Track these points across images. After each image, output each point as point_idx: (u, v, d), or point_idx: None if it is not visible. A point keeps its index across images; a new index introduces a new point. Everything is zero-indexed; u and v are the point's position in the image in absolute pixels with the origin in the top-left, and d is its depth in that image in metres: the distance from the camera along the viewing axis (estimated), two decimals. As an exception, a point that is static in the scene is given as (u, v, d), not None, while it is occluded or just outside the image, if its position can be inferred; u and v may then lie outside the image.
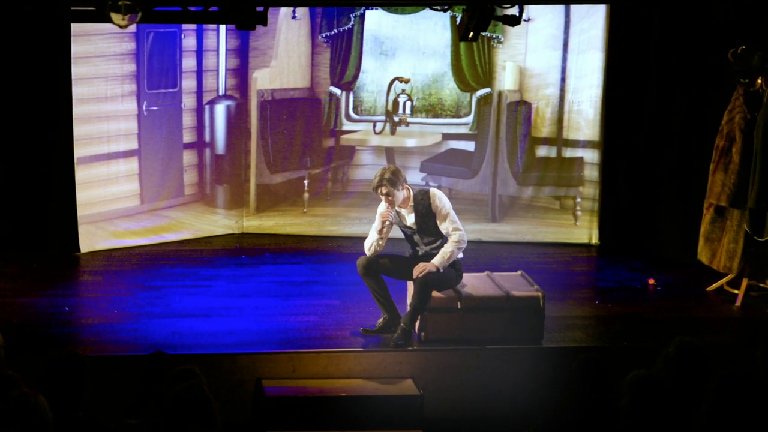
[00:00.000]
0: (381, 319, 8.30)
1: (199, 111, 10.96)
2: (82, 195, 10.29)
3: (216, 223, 11.15)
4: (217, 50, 10.89)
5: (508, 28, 10.37)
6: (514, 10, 7.63)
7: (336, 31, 11.01)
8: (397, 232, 8.31)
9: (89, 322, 8.51)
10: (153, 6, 6.68)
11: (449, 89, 11.09)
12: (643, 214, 10.84)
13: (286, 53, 11.02)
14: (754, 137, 8.98)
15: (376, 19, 10.99)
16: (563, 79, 10.92)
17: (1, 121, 10.00)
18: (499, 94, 10.99)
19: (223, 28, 10.81)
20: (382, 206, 8.17)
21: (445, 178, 11.18)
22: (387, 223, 8.11)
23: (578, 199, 11.09)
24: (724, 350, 7.74)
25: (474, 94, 11.08)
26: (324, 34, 11.03)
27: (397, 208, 8.15)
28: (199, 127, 10.98)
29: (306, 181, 11.23)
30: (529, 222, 11.16)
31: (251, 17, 6.86)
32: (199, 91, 10.91)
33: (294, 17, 10.94)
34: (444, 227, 8.08)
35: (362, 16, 10.97)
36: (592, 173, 11.03)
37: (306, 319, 8.65)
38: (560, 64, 10.90)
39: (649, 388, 5.17)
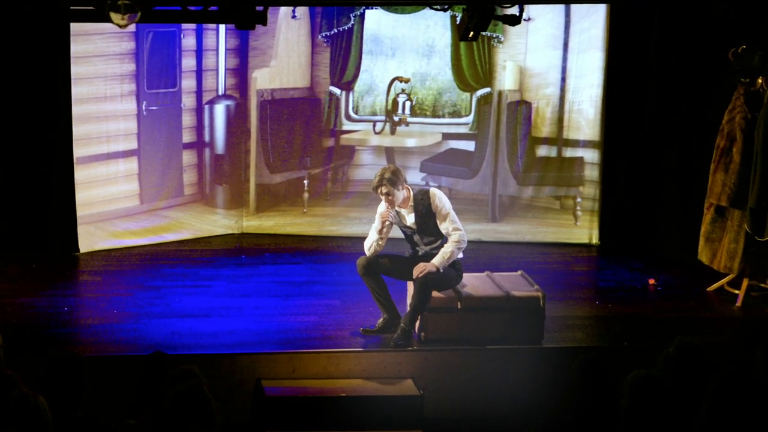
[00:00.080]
0: (381, 319, 8.29)
1: (199, 111, 10.95)
2: (81, 195, 10.28)
3: (216, 223, 11.14)
4: (217, 50, 10.88)
5: (508, 27, 10.37)
6: (514, 10, 7.62)
7: (336, 30, 11.00)
8: (397, 232, 8.30)
9: (89, 323, 8.50)
10: (152, 5, 6.67)
11: (449, 89, 11.08)
12: (644, 214, 10.83)
13: (286, 53, 11.01)
14: (755, 137, 8.97)
15: (376, 19, 10.98)
16: (563, 79, 10.91)
17: (0, 120, 9.98)
18: (499, 93, 10.98)
19: (222, 27, 10.80)
20: (382, 206, 8.16)
21: (445, 178, 11.17)
22: (387, 223, 8.11)
23: (578, 199, 11.08)
24: (724, 350, 7.73)
25: (474, 94, 11.07)
26: (324, 34, 11.02)
27: (397, 208, 8.14)
28: (199, 127, 10.97)
29: (306, 181, 11.22)
30: (530, 222, 11.15)
31: (251, 17, 6.85)
32: (199, 91, 10.90)
33: (294, 17, 10.93)
34: (444, 227, 8.07)
35: (362, 15, 10.96)
36: (592, 173, 11.02)
37: (306, 320, 8.64)
38: (560, 64, 10.90)
39: (650, 389, 5.16)
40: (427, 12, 10.73)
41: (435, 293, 8.12)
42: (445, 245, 8.07)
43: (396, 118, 11.13)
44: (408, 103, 11.09)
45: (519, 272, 8.79)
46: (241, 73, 11.01)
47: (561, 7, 10.73)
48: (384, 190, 8.00)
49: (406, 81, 11.06)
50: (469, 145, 11.16)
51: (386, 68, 11.07)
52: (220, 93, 11.00)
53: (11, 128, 10.00)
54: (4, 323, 8.23)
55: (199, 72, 10.87)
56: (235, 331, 8.32)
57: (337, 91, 11.11)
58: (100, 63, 10.28)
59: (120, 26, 6.49)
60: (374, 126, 11.19)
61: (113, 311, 8.74)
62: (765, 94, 8.94)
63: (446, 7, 8.13)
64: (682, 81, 10.45)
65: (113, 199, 10.57)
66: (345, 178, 11.27)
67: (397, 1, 10.47)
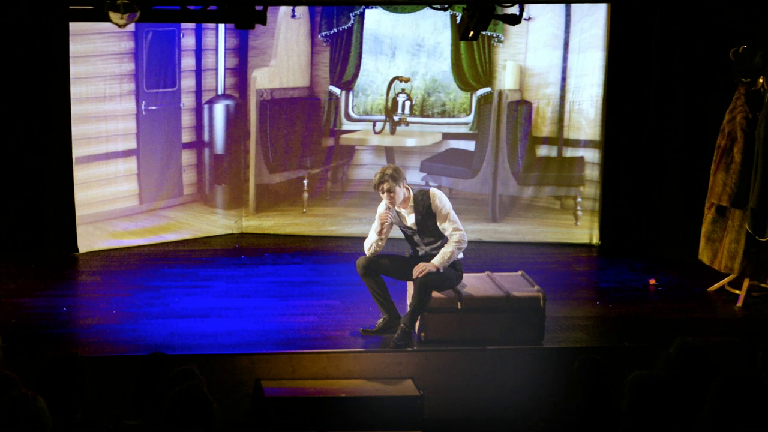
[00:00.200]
0: (381, 320, 8.28)
1: (198, 110, 10.93)
2: (80, 195, 10.27)
3: (215, 223, 11.13)
4: (216, 49, 10.87)
5: (508, 27, 10.36)
6: (514, 9, 7.62)
7: (336, 30, 10.99)
8: (397, 232, 8.29)
9: (88, 323, 8.49)
10: (152, 5, 6.65)
11: (449, 88, 11.06)
12: (644, 214, 10.82)
13: (286, 52, 10.99)
14: (756, 137, 8.96)
15: (375, 18, 10.97)
16: (564, 79, 10.90)
17: (-1, 120, 10.00)
18: (500, 93, 10.97)
19: (222, 27, 10.79)
20: (382, 207, 8.15)
21: (445, 178, 11.16)
22: (386, 224, 8.09)
23: (579, 199, 11.07)
24: (725, 351, 7.72)
25: (474, 94, 11.05)
26: (323, 33, 11.01)
27: (397, 208, 8.13)
28: (198, 127, 10.96)
29: (305, 181, 11.21)
30: (530, 222, 11.14)
31: (250, 16, 6.83)
32: (198, 91, 10.89)
33: (293, 16, 10.92)
34: (444, 227, 8.06)
35: (362, 15, 10.95)
36: (592, 173, 11.01)
37: (305, 320, 8.63)
38: (561, 64, 10.88)
39: (650, 389, 5.15)
40: (427, 11, 10.72)
41: (435, 293, 8.10)
42: (446, 245, 8.05)
43: (396, 118, 11.12)
44: (408, 103, 11.08)
45: (519, 272, 8.77)
46: (240, 73, 10.99)
47: (561, 7, 10.73)
48: (386, 186, 7.98)
49: (406, 80, 11.04)
50: (470, 145, 11.15)
51: (386, 68, 11.05)
52: (219, 93, 10.99)
53: (10, 128, 9.99)
54: (3, 324, 8.23)
55: (198, 72, 10.86)
56: (234, 332, 8.31)
57: (336, 90, 11.10)
58: (99, 62, 10.27)
59: (119, 26, 6.48)
60: (374, 126, 11.18)
61: (112, 311, 8.72)
62: (766, 94, 8.93)
63: (446, 6, 8.12)
64: (683, 80, 10.44)
65: (112, 199, 10.56)
66: (345, 178, 11.26)
67: (397, 0, 10.45)
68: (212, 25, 10.72)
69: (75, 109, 10.12)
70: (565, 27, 10.84)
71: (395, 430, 7.27)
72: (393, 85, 11.07)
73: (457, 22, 9.87)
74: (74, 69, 10.04)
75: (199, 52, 10.83)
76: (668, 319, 8.92)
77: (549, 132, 11.02)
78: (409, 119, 11.12)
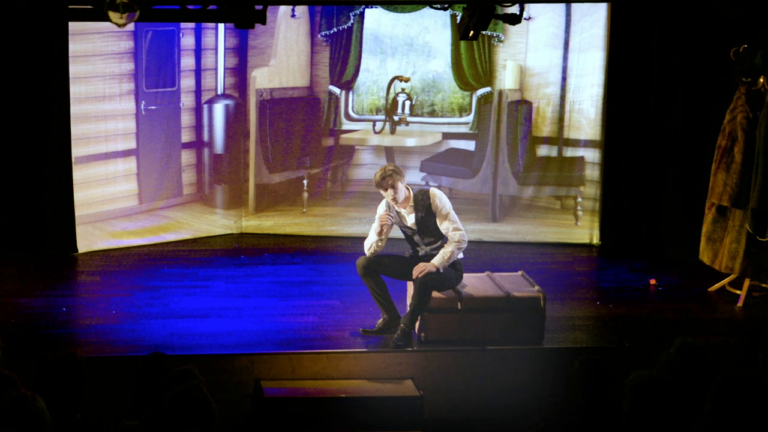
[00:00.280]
0: (381, 320, 8.27)
1: (198, 110, 10.92)
2: (79, 195, 10.26)
3: (215, 223, 11.11)
4: (216, 49, 10.86)
5: (508, 26, 10.35)
6: (514, 9, 7.60)
7: (335, 29, 10.98)
8: (397, 232, 8.28)
9: (87, 323, 8.48)
10: (151, 4, 6.64)
11: (449, 88, 11.05)
12: (645, 214, 10.80)
13: (285, 52, 10.98)
14: (756, 137, 8.96)
15: (375, 18, 10.95)
16: (564, 78, 10.89)
17: (-2, 120, 9.99)
18: (500, 93, 10.96)
19: (221, 26, 10.78)
20: (382, 208, 8.14)
21: (445, 178, 11.14)
22: (387, 225, 8.08)
23: (579, 199, 11.06)
24: (725, 351, 7.72)
25: (474, 93, 11.04)
26: (323, 33, 11.00)
27: (397, 208, 8.12)
28: (198, 127, 10.95)
29: (305, 181, 11.20)
30: (530, 222, 11.12)
31: (250, 15, 6.82)
32: (198, 90, 10.88)
33: (293, 16, 10.91)
34: (444, 227, 8.05)
35: (362, 14, 10.94)
36: (593, 173, 11.00)
37: (305, 320, 8.62)
38: (561, 63, 10.87)
39: (651, 389, 5.14)
40: (427, 11, 10.71)
41: (435, 294, 8.09)
42: (446, 245, 8.04)
43: (396, 118, 11.11)
44: (408, 103, 11.07)
45: (519, 272, 8.76)
46: (240, 73, 10.98)
47: (562, 6, 10.72)
48: (390, 181, 7.96)
49: (406, 80, 11.03)
50: (470, 145, 11.14)
51: (386, 67, 11.04)
52: (219, 92, 10.98)
53: (9, 128, 9.98)
54: (2, 324, 8.22)
55: (198, 71, 10.85)
56: (234, 332, 8.30)
57: (336, 90, 11.09)
58: (98, 62, 10.26)
59: (119, 25, 6.47)
60: (374, 125, 11.17)
61: (112, 312, 8.71)
62: (766, 94, 8.92)
63: (446, 6, 8.11)
64: (683, 80, 10.43)
65: (112, 199, 10.55)
66: (344, 177, 11.25)
67: (397, 0, 10.45)
68: (212, 25, 10.71)
69: (74, 109, 10.11)
70: (565, 27, 10.83)
71: (395, 430, 7.27)
72: (393, 85, 11.06)
73: (457, 21, 9.87)
74: (74, 69, 10.02)
75: (198, 51, 10.82)
76: (668, 320, 8.91)
77: (549, 132, 11.01)
78: (409, 119, 11.11)
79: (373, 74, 11.08)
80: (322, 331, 8.39)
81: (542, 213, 11.13)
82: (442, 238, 8.12)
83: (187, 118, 10.89)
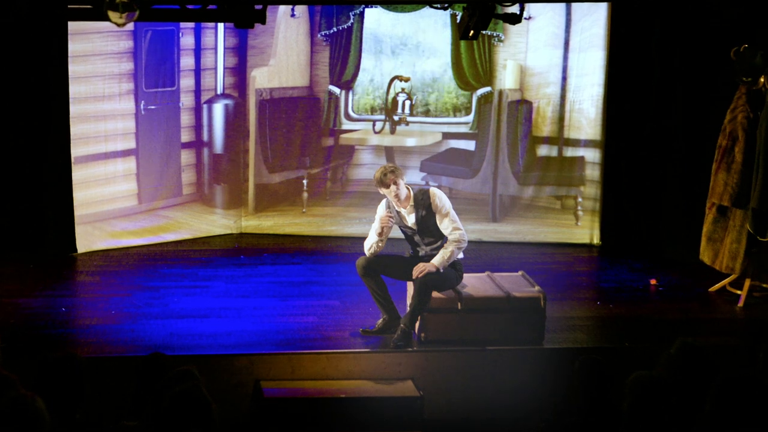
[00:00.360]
0: (381, 320, 8.26)
1: (197, 110, 10.91)
2: (79, 195, 10.25)
3: (214, 223, 11.10)
4: (216, 49, 10.85)
5: (508, 26, 10.34)
6: (514, 8, 7.57)
7: (335, 29, 10.97)
8: (397, 232, 8.27)
9: (87, 323, 8.47)
10: (151, 4, 6.63)
11: (449, 88, 11.04)
12: (645, 214, 10.80)
13: (285, 52, 10.97)
14: (757, 136, 8.95)
15: (375, 18, 10.94)
16: (564, 78, 10.88)
17: (-2, 120, 9.97)
18: (500, 92, 10.95)
19: (221, 26, 10.78)
20: (382, 209, 8.13)
21: (445, 178, 11.13)
22: (387, 227, 8.07)
23: (579, 199, 11.05)
24: (726, 351, 7.70)
25: (474, 93, 11.03)
26: (323, 33, 10.99)
27: (397, 208, 8.11)
28: (197, 127, 10.94)
29: (305, 181, 11.19)
30: (530, 222, 11.11)
31: (250, 15, 6.81)
32: (197, 90, 10.87)
33: (293, 15, 10.90)
34: (444, 226, 8.04)
35: (362, 14, 10.93)
36: (593, 173, 10.99)
37: (305, 320, 8.61)
38: (561, 63, 10.87)
39: (651, 390, 5.14)
40: (427, 10, 10.70)
41: (435, 294, 8.08)
42: (445, 245, 8.03)
43: (396, 118, 11.10)
44: (408, 102, 11.06)
45: (520, 272, 8.75)
46: (239, 72, 10.98)
47: (562, 6, 10.71)
48: (392, 177, 7.95)
49: (406, 80, 11.02)
50: (470, 145, 11.13)
51: (386, 67, 11.03)
52: (218, 92, 10.97)
53: (8, 127, 9.97)
54: (2, 324, 8.21)
55: (197, 71, 10.84)
56: (233, 332, 8.29)
57: (336, 90, 11.08)
58: (98, 62, 10.25)
59: (118, 25, 6.45)
60: (374, 125, 11.16)
61: (111, 312, 8.70)
62: (767, 94, 8.91)
63: (446, 5, 8.10)
64: (684, 80, 10.42)
65: (111, 199, 10.54)
66: (344, 177, 11.24)
67: (397, -1, 10.46)
68: (211, 25, 10.70)
69: (74, 109, 10.10)
70: (565, 26, 10.82)
71: (395, 430, 7.26)
72: (393, 85, 11.05)
73: (457, 21, 9.86)
74: (73, 68, 10.01)
75: (198, 51, 10.81)
76: (669, 320, 8.90)
77: (549, 132, 11.00)
78: (409, 119, 11.10)
79: (373, 74, 11.07)
80: (322, 331, 8.38)
81: (542, 213, 11.12)
82: (443, 238, 8.11)
83: (186, 118, 10.88)
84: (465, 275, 8.26)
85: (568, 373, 5.94)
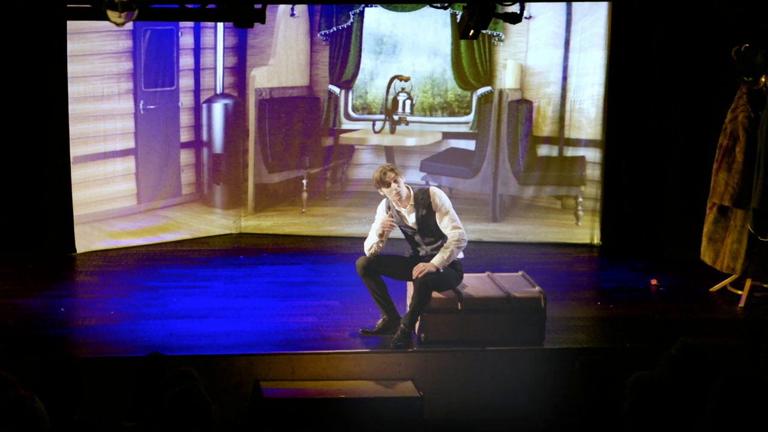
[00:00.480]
0: (380, 320, 8.24)
1: (197, 110, 10.90)
2: (78, 195, 10.24)
3: (214, 223, 11.09)
4: (215, 48, 10.84)
5: (509, 25, 10.29)
6: (515, 8, 7.55)
7: (335, 28, 10.95)
8: (397, 232, 8.26)
9: (86, 323, 8.46)
10: (150, 3, 6.61)
11: (449, 87, 11.03)
12: (646, 214, 10.79)
13: (285, 51, 10.96)
14: (758, 136, 8.94)
15: (375, 17, 10.93)
16: (565, 78, 10.87)
17: (-4, 120, 9.96)
18: (500, 92, 10.93)
19: (220, 25, 10.76)
20: (382, 209, 8.12)
21: (445, 178, 11.12)
22: (388, 228, 8.06)
23: (580, 199, 11.04)
24: (727, 352, 7.69)
25: (474, 93, 11.02)
26: (323, 32, 10.97)
27: (398, 208, 8.10)
28: (197, 126, 10.93)
29: (305, 181, 11.18)
30: (531, 222, 11.10)
31: (249, 15, 6.79)
32: (197, 90, 10.86)
33: (293, 15, 10.88)
34: (444, 225, 8.03)
35: (361, 13, 10.92)
36: (594, 173, 10.98)
37: (305, 320, 8.60)
38: (562, 62, 10.85)
39: (652, 390, 5.12)
40: (427, 10, 10.69)
41: (435, 294, 8.07)
42: (445, 245, 8.02)
43: (396, 117, 11.08)
44: (408, 102, 11.04)
45: (520, 273, 8.74)
46: (239, 72, 10.96)
47: (562, 5, 10.70)
48: (392, 176, 7.93)
49: (406, 80, 11.01)
50: (470, 145, 11.12)
51: (386, 67, 11.02)
52: (218, 92, 10.96)
53: (7, 127, 9.95)
54: (0, 324, 8.20)
55: (197, 70, 10.83)
56: (233, 332, 8.27)
57: (336, 89, 11.07)
58: (97, 61, 10.23)
59: (117, 24, 6.43)
60: (374, 125, 11.14)
61: (110, 312, 8.69)
62: (768, 93, 8.91)
63: (446, 4, 8.08)
64: (685, 80, 10.41)
65: (110, 199, 10.53)
66: (344, 177, 11.23)
67: (397, -2, 10.45)
68: (211, 24, 10.69)
69: (73, 109, 10.08)
70: (566, 26, 10.81)
71: (395, 431, 7.25)
72: (393, 84, 11.04)
73: (457, 20, 9.86)
74: (72, 68, 10.00)
75: (197, 50, 10.80)
76: (670, 320, 8.90)
77: (550, 131, 10.99)
78: (409, 118, 11.09)
79: (373, 73, 11.06)
80: (322, 331, 8.37)
81: (543, 213, 11.10)
82: (443, 238, 8.09)
83: (186, 118, 10.86)
84: (465, 275, 8.25)
85: (569, 373, 5.93)
